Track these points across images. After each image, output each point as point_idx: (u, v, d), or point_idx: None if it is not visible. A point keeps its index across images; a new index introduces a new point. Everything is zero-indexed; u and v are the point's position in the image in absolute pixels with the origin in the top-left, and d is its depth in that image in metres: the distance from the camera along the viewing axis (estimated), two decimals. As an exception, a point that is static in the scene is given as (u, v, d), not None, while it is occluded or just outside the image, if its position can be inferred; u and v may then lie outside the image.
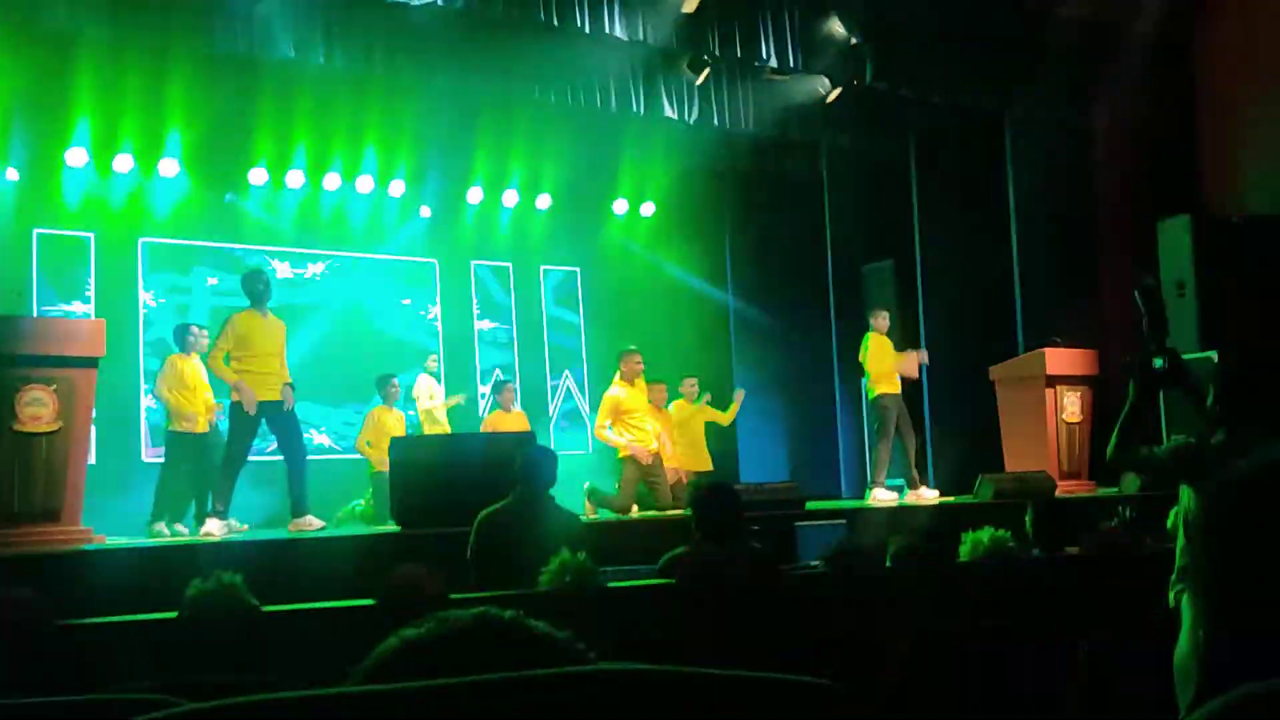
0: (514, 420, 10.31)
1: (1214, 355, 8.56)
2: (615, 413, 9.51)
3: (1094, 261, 10.90)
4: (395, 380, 10.23)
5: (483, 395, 11.82)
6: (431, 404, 10.49)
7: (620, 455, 9.51)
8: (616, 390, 9.59)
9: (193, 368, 8.88)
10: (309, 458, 8.20)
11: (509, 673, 0.67)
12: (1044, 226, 10.79)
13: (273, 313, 8.04)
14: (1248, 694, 0.68)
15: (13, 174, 10.35)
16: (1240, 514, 2.63)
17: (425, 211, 12.59)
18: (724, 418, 11.13)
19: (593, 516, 8.81)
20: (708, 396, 11.06)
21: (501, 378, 11.47)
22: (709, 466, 10.68)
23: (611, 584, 4.74)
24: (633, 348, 9.83)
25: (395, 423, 9.80)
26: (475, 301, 13.15)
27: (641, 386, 9.66)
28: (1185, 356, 4.37)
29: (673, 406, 10.69)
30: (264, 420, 7.84)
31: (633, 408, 9.51)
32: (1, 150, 10.08)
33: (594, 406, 12.37)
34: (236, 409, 7.83)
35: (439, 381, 10.97)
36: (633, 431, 9.46)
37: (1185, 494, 3.96)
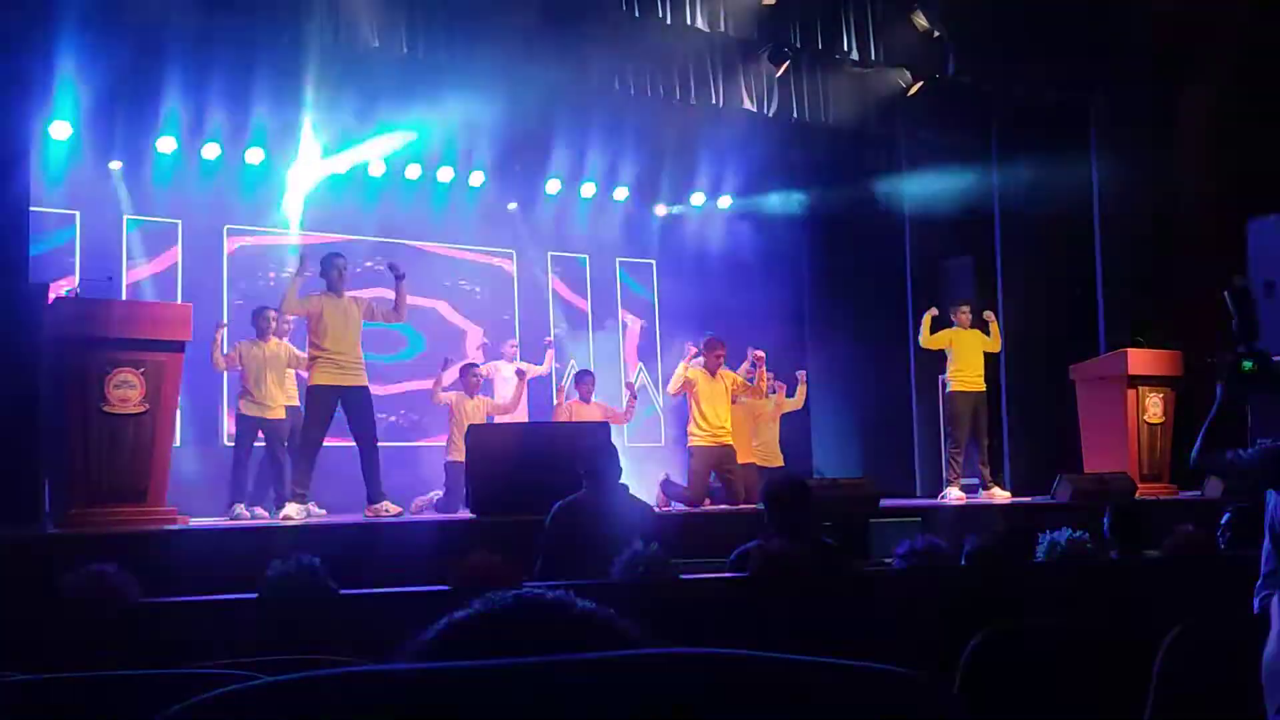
0: (593, 411, 10.32)
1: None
2: (690, 391, 9.51)
3: (1180, 260, 10.67)
4: (477, 369, 10.23)
5: (560, 385, 11.84)
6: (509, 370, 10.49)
7: (690, 444, 9.51)
8: (696, 373, 9.58)
9: (268, 351, 8.98)
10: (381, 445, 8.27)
11: (558, 654, 0.67)
12: (1128, 223, 10.60)
13: (350, 299, 8.14)
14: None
15: (116, 164, 10.63)
16: None
17: (510, 204, 12.68)
18: (794, 403, 11.04)
19: (666, 509, 8.81)
20: (780, 390, 10.97)
21: (578, 368, 11.48)
22: (780, 462, 10.62)
23: (683, 576, 4.75)
24: (717, 337, 9.81)
25: (474, 411, 9.83)
26: (551, 294, 13.20)
27: (725, 378, 9.61)
28: (1275, 359, 4.28)
29: (746, 399, 10.63)
30: (339, 405, 7.94)
31: (709, 396, 9.47)
32: (102, 139, 10.36)
33: (667, 402, 12.40)
34: (312, 392, 7.95)
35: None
36: (701, 422, 9.43)
37: (1272, 498, 3.89)
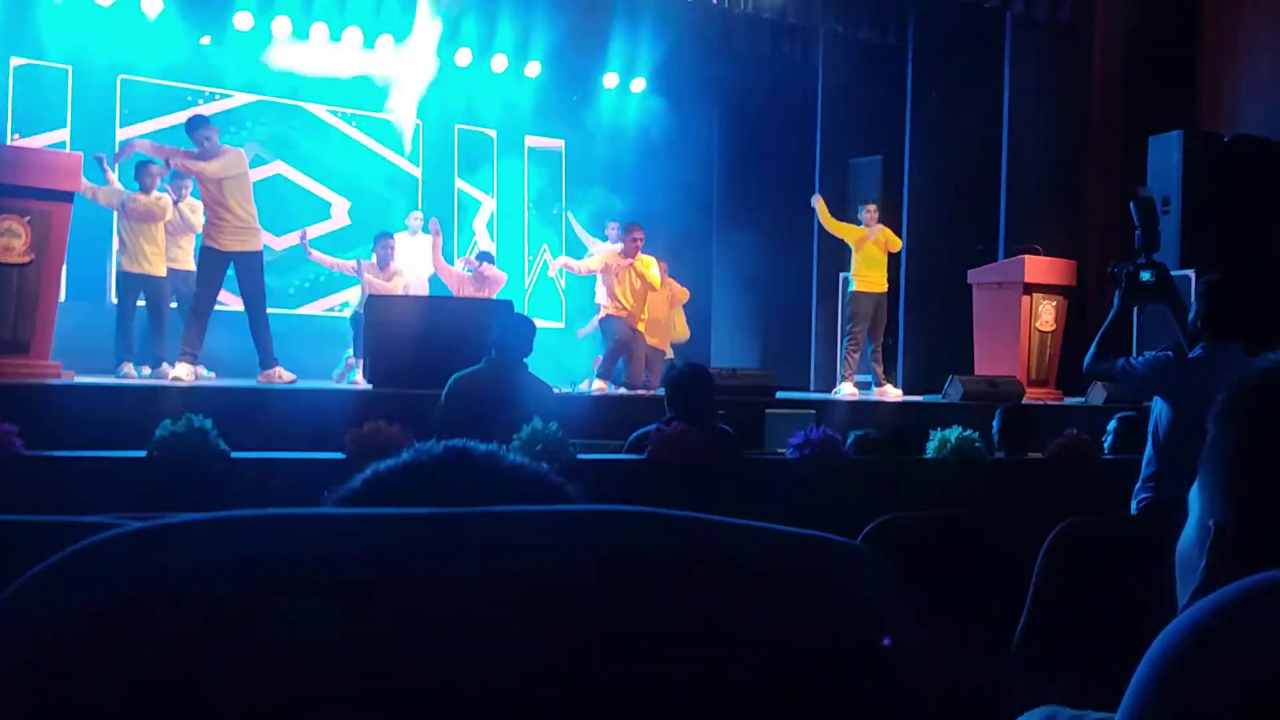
0: (490, 284, 10.22)
1: (1194, 272, 8.58)
2: (604, 269, 9.51)
3: (1082, 171, 10.84)
4: (389, 240, 9.97)
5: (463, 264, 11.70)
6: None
7: (600, 316, 9.57)
8: (611, 256, 9.58)
9: (145, 206, 8.65)
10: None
11: (493, 505, 0.65)
12: (1036, 131, 10.69)
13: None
14: (1270, 579, 0.67)
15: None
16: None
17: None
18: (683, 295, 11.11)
19: (603, 391, 8.86)
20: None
21: (481, 248, 11.32)
22: (669, 352, 10.68)
23: (580, 456, 4.76)
24: (636, 222, 9.79)
25: (385, 282, 9.63)
26: (457, 166, 12.98)
27: (645, 265, 9.60)
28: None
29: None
30: (232, 267, 7.77)
31: (624, 278, 9.48)
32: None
33: (570, 282, 12.35)
34: (204, 254, 7.77)
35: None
36: (615, 299, 9.46)
37: (1158, 405, 4.01)
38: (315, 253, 10.02)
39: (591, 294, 10.47)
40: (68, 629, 0.55)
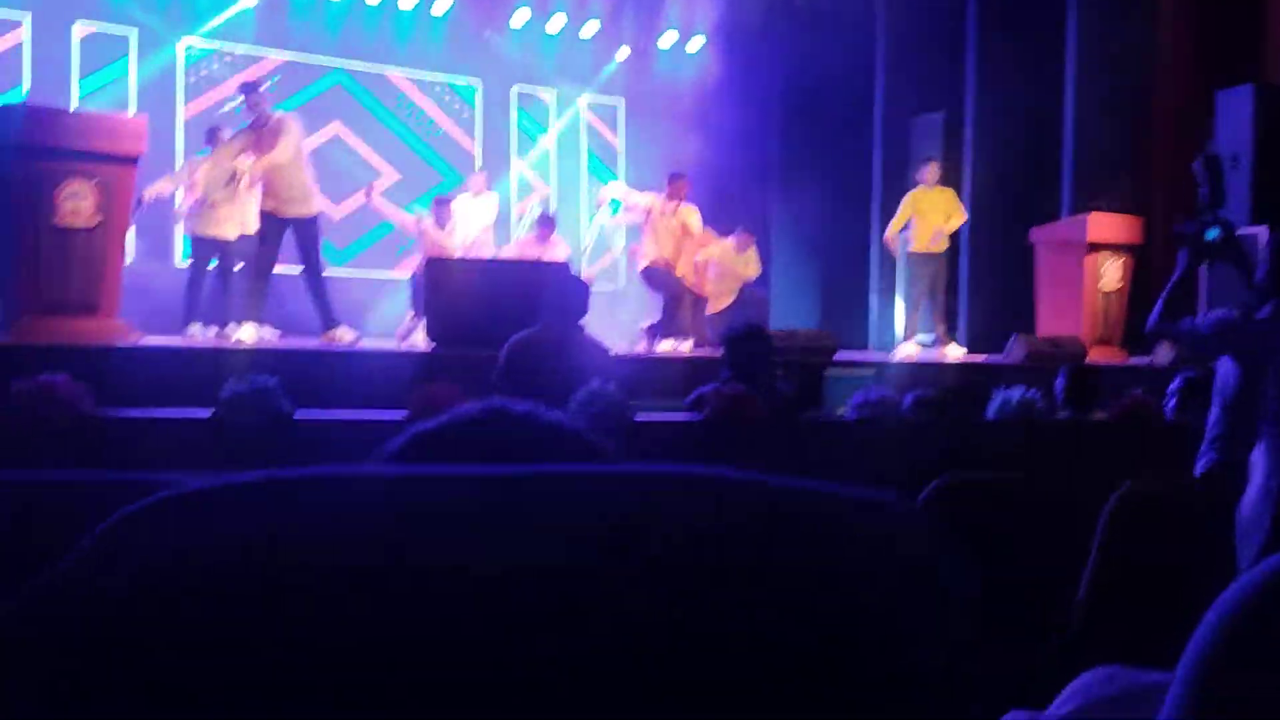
0: (552, 250, 10.24)
1: (1263, 231, 8.40)
2: (647, 216, 9.49)
3: (1149, 127, 10.63)
4: (448, 201, 9.99)
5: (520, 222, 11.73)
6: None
7: (642, 268, 9.55)
8: (654, 204, 9.58)
9: (220, 168, 8.77)
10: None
11: (531, 464, 0.65)
12: (1102, 88, 10.49)
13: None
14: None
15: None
16: None
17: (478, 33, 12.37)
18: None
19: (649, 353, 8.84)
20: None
21: (540, 206, 11.32)
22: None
23: (637, 417, 4.77)
24: (680, 173, 9.75)
25: (446, 239, 9.67)
26: (515, 128, 12.98)
27: (687, 214, 9.57)
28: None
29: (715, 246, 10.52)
30: (290, 232, 7.88)
31: (668, 227, 9.45)
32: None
33: (629, 238, 12.33)
34: (264, 218, 7.87)
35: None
36: (654, 248, 9.43)
37: (1224, 366, 3.95)
38: (378, 199, 10.04)
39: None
40: (141, 583, 0.57)
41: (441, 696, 0.57)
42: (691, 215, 9.61)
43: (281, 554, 0.58)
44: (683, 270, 9.64)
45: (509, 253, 10.42)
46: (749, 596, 0.60)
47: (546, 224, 10.31)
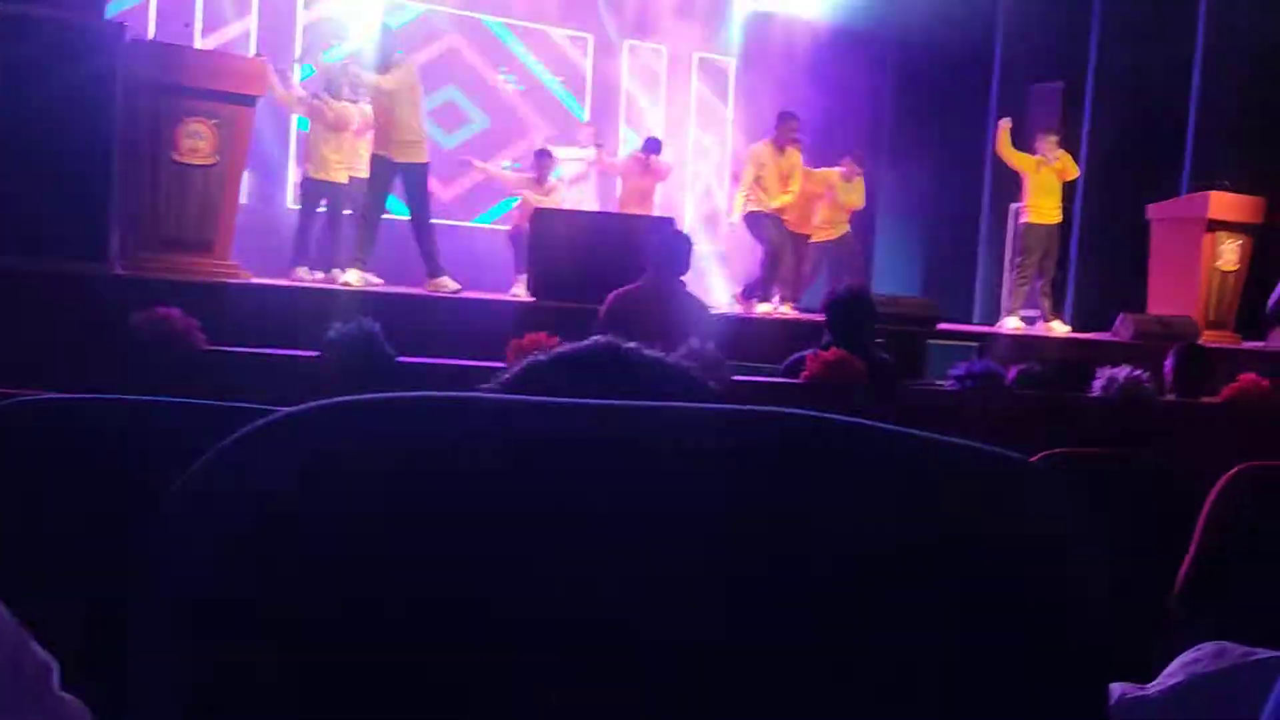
0: (655, 171, 10.21)
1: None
2: (757, 167, 9.35)
3: (1276, 106, 10.25)
4: (551, 155, 9.99)
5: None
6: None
7: (745, 213, 9.40)
8: (760, 147, 9.45)
9: (336, 112, 8.89)
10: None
11: (644, 397, 0.65)
12: (1229, 62, 10.14)
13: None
14: None
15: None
16: None
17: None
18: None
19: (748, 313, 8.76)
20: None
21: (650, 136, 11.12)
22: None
23: (735, 379, 4.76)
24: (791, 111, 9.60)
25: (544, 197, 9.70)
26: (624, 86, 12.94)
27: (795, 156, 9.44)
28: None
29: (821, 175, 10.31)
30: (399, 178, 7.95)
31: (775, 169, 9.31)
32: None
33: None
34: (374, 162, 7.95)
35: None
36: (761, 193, 9.29)
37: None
38: (479, 168, 10.11)
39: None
40: (268, 493, 0.59)
41: (545, 629, 0.58)
42: (799, 156, 9.51)
43: (407, 468, 0.59)
44: (789, 214, 9.52)
45: (616, 165, 10.37)
46: (868, 542, 0.59)
47: (651, 148, 10.21)
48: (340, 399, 0.62)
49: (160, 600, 0.60)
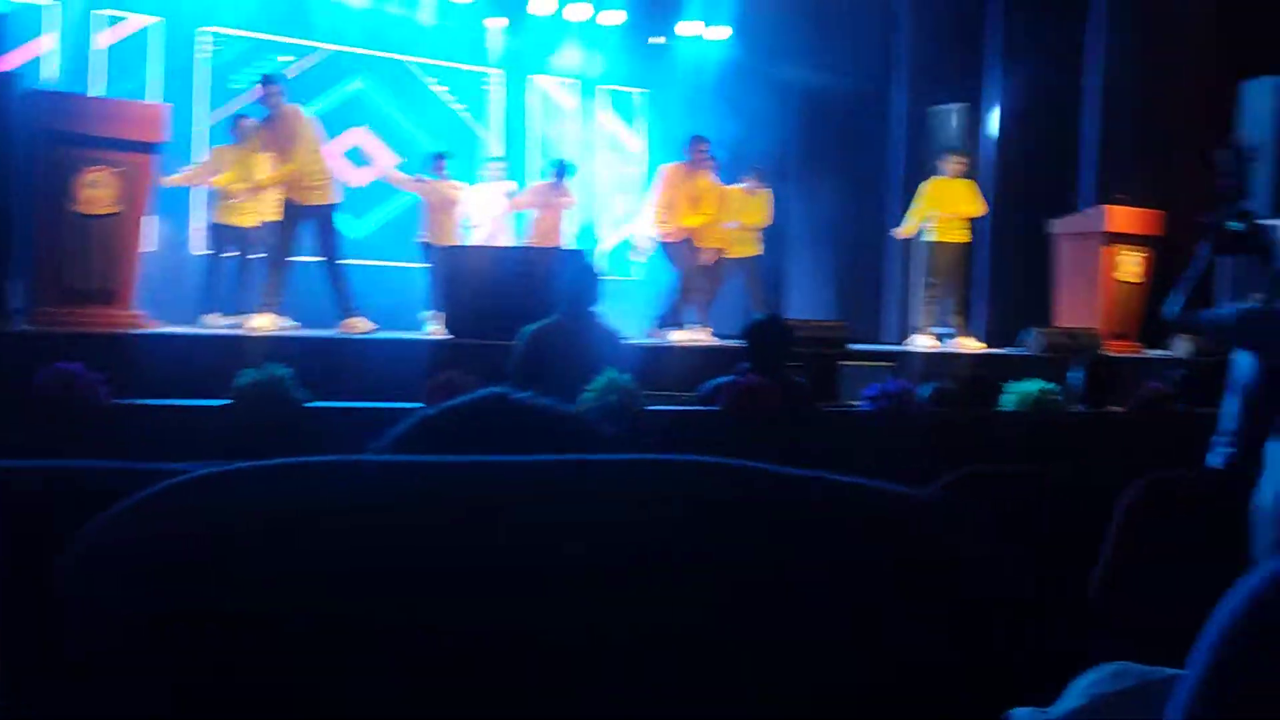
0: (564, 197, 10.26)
1: (1282, 224, 8.35)
2: (668, 187, 9.40)
3: (1173, 119, 10.54)
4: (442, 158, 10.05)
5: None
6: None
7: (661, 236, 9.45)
8: (671, 168, 9.52)
9: (242, 158, 8.82)
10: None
11: (532, 453, 0.66)
12: (1124, 78, 10.42)
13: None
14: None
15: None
16: None
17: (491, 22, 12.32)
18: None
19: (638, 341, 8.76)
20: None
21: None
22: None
23: (650, 407, 4.77)
24: (701, 136, 9.66)
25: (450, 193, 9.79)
26: (532, 117, 12.95)
27: (706, 178, 9.51)
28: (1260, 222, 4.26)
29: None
30: (309, 220, 7.92)
31: (685, 191, 9.36)
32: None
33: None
34: (286, 207, 7.89)
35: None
36: (670, 215, 9.34)
37: (1241, 357, 3.92)
38: (392, 173, 10.28)
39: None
40: (153, 555, 0.59)
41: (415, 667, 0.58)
42: (710, 178, 9.60)
43: (289, 537, 0.60)
44: (705, 238, 9.58)
45: (524, 199, 10.39)
46: (772, 584, 0.60)
47: (563, 172, 10.24)
48: (221, 468, 0.62)
49: (55, 653, 0.60)
